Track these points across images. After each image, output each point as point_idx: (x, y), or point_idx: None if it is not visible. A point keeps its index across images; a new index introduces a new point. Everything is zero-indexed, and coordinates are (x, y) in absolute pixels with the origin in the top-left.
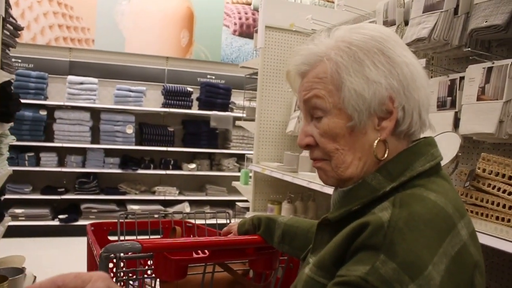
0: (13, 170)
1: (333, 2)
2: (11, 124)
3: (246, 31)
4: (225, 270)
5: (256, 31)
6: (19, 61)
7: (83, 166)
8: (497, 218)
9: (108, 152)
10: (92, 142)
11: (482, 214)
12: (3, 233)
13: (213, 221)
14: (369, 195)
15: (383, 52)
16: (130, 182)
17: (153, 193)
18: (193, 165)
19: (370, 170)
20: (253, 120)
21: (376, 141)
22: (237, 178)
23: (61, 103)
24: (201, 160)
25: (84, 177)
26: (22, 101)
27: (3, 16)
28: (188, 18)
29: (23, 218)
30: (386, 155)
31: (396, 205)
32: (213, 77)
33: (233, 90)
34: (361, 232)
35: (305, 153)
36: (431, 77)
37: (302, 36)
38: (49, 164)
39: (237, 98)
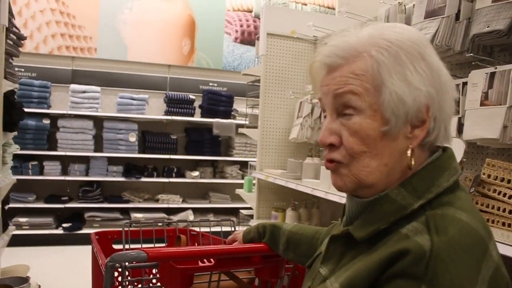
0: (17, 179)
1: (333, 9)
2: (15, 133)
3: (248, 39)
4: (230, 279)
5: (258, 38)
6: (22, 70)
7: (87, 174)
8: (503, 224)
9: (111, 161)
10: (95, 151)
11: (487, 220)
12: (7, 242)
13: (217, 229)
14: (397, 213)
15: (423, 57)
16: (134, 190)
17: (157, 201)
18: (196, 173)
19: (393, 180)
20: (256, 127)
21: (409, 150)
22: (240, 186)
23: (64, 112)
24: (204, 168)
25: (88, 186)
26: (25, 110)
27: (7, 26)
28: (189, 26)
29: (27, 227)
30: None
31: (432, 230)
32: (215, 85)
33: (235, 97)
34: (399, 258)
35: (309, 160)
36: None
37: (303, 43)
38: (52, 173)
39: (240, 105)
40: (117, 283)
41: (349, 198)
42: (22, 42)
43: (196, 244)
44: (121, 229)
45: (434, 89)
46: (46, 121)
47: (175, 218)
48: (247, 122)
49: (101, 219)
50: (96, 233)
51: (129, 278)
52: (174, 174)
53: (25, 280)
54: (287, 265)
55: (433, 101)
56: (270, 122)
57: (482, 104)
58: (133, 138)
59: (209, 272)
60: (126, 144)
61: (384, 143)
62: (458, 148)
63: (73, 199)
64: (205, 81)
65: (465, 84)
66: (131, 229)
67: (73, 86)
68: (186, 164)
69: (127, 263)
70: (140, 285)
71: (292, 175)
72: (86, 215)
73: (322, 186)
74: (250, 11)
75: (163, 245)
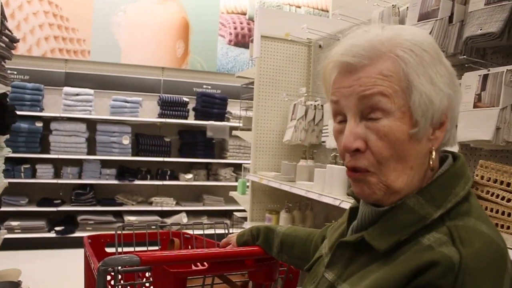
0: (9, 182)
1: (327, 11)
2: (7, 136)
3: (242, 41)
4: (224, 282)
5: (252, 41)
6: (15, 73)
7: (80, 177)
8: (496, 225)
9: (105, 163)
10: (88, 154)
11: None
12: None
13: (211, 231)
14: (418, 224)
15: (440, 59)
16: (127, 193)
17: (150, 204)
18: (190, 175)
19: (415, 184)
20: (249, 129)
21: (433, 151)
22: (234, 188)
23: (57, 115)
24: (198, 170)
25: (81, 189)
26: (18, 113)
27: None
28: (183, 28)
29: (19, 231)
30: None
31: (457, 242)
32: (209, 87)
33: (229, 99)
34: (427, 270)
35: (303, 162)
36: None
37: (297, 45)
38: (45, 176)
39: (233, 107)
40: (110, 287)
41: (363, 203)
42: (15, 44)
43: (189, 247)
44: (114, 232)
45: (452, 91)
46: (39, 124)
47: (168, 221)
48: (241, 125)
49: (94, 222)
50: (89, 237)
51: (122, 282)
52: (167, 177)
53: (17, 284)
54: (281, 268)
55: (451, 102)
56: (264, 124)
57: (475, 106)
58: (126, 140)
59: (203, 276)
60: (119, 147)
61: (411, 145)
62: (451, 150)
63: (66, 202)
64: (199, 83)
65: None
66: (124, 232)
67: (66, 89)
68: (179, 166)
69: (119, 267)
70: None
71: (285, 177)
72: (79, 218)
73: (316, 188)
74: (244, 14)
75: (156, 248)
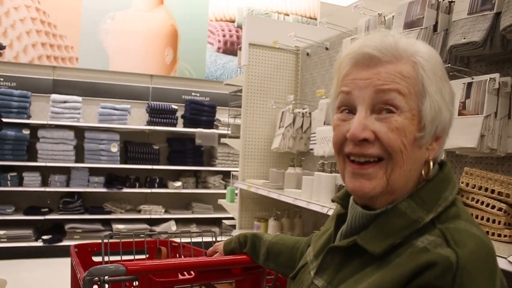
0: None
1: (315, 19)
2: None
3: (230, 48)
4: None
5: (240, 49)
6: (1, 79)
7: (67, 185)
8: None
9: (93, 171)
10: (76, 161)
11: None
12: None
13: (199, 239)
14: (411, 227)
15: (446, 78)
16: (115, 201)
17: (139, 212)
18: (178, 183)
19: (408, 189)
20: (238, 137)
21: (430, 161)
22: (223, 196)
23: (45, 122)
24: (186, 178)
25: (68, 197)
26: (5, 120)
27: None
28: (172, 36)
29: (5, 240)
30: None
31: (451, 243)
32: (198, 95)
33: (218, 107)
34: (425, 271)
35: (291, 170)
36: None
37: (285, 53)
38: (32, 184)
39: (222, 115)
40: None
41: (352, 208)
42: (1, 51)
43: (177, 256)
44: (101, 241)
45: (452, 107)
46: (26, 132)
47: (157, 229)
48: (229, 132)
49: (82, 230)
50: (76, 246)
51: None
52: (156, 185)
53: None
54: (268, 277)
55: (450, 120)
56: (252, 132)
57: (460, 114)
58: (114, 148)
59: (190, 285)
60: (107, 155)
61: (413, 149)
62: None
63: (53, 211)
64: (188, 91)
65: None
66: (111, 241)
67: (54, 96)
68: (168, 174)
69: (106, 277)
70: None
71: (274, 185)
72: (67, 226)
73: (304, 196)
74: (233, 21)
75: (144, 257)
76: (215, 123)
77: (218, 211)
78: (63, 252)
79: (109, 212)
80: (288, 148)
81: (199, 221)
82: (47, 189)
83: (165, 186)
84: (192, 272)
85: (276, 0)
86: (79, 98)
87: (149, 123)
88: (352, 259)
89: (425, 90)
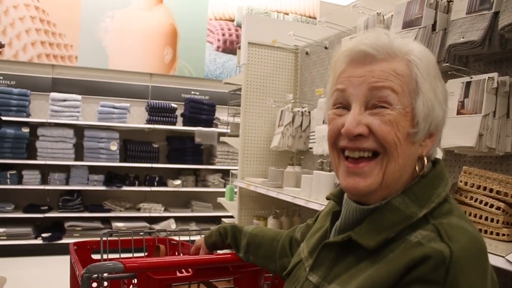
0: None
1: (315, 18)
2: None
3: (230, 47)
4: None
5: (239, 48)
6: (1, 78)
7: (67, 183)
8: (480, 230)
9: (92, 169)
10: (76, 159)
11: None
12: None
13: (198, 238)
14: (404, 222)
15: (440, 77)
16: (115, 199)
17: (138, 210)
18: (178, 181)
19: (400, 185)
20: (237, 136)
21: (424, 157)
22: (222, 194)
23: (44, 120)
24: (186, 176)
25: (68, 195)
26: (4, 118)
27: None
28: (171, 34)
29: (5, 238)
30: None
31: (445, 238)
32: (197, 93)
33: (217, 106)
34: (419, 264)
35: (290, 169)
36: None
37: (284, 52)
38: (31, 182)
39: (222, 113)
40: None
41: (346, 204)
42: (1, 49)
43: (176, 254)
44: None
45: (446, 106)
46: (25, 130)
47: (157, 227)
48: (228, 131)
49: (81, 228)
50: (75, 243)
51: None
52: (156, 183)
53: None
54: (266, 275)
55: (444, 118)
56: (252, 130)
57: (458, 113)
58: (114, 146)
59: (188, 283)
60: (107, 153)
61: (407, 144)
62: (436, 157)
63: (53, 209)
64: (187, 89)
65: None
66: (110, 239)
67: (53, 95)
68: (168, 172)
69: (104, 274)
70: None
71: (273, 184)
72: (66, 224)
73: (303, 194)
74: (232, 20)
75: (143, 255)
76: (214, 121)
77: (217, 209)
78: (63, 250)
79: (109, 210)
80: (287, 147)
81: (198, 220)
82: (47, 187)
83: (165, 185)
84: (190, 269)
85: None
86: (79, 97)
87: (149, 121)
88: (346, 255)
89: (419, 88)
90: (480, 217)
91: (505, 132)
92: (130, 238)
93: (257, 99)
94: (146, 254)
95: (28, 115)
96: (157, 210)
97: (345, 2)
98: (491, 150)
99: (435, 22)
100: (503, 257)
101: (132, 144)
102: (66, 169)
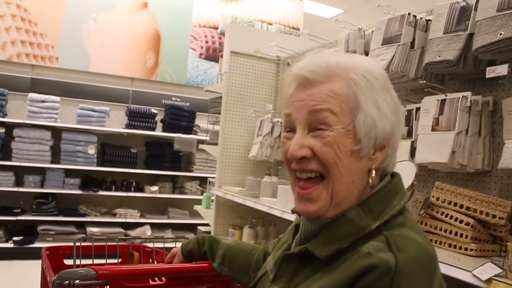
0: None
1: (298, 29)
2: None
3: (213, 55)
4: None
5: (222, 56)
6: None
7: (42, 186)
8: (449, 245)
9: (69, 173)
10: (52, 162)
11: (436, 242)
12: None
13: (172, 245)
14: (357, 233)
15: (388, 89)
16: (91, 203)
17: (114, 215)
18: (155, 188)
19: (354, 200)
20: (216, 144)
21: (373, 170)
22: (199, 202)
23: (21, 121)
24: (163, 183)
25: (42, 198)
26: None
27: None
28: (154, 39)
29: None
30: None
31: (393, 248)
32: (178, 100)
33: (198, 113)
34: (366, 273)
35: (267, 179)
36: None
37: (266, 62)
38: (5, 184)
39: (202, 121)
40: None
41: (304, 218)
42: None
43: (150, 261)
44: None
45: (395, 119)
46: (1, 130)
47: (132, 233)
48: (208, 139)
49: (55, 232)
50: (47, 248)
51: None
52: (133, 188)
53: None
54: (239, 284)
55: (393, 129)
56: (231, 139)
57: (433, 129)
58: (92, 150)
59: None
60: (84, 156)
61: (352, 160)
62: (410, 171)
63: (26, 212)
64: (168, 95)
65: (418, 109)
66: (83, 244)
67: (32, 95)
68: (145, 178)
69: (76, 281)
70: None
71: (250, 193)
72: (39, 228)
73: (279, 205)
74: (216, 28)
75: (116, 261)
76: (194, 128)
77: (194, 217)
78: (35, 254)
79: (84, 215)
80: (265, 157)
81: (174, 227)
82: (21, 189)
83: (142, 190)
84: (163, 278)
85: (260, 9)
86: (58, 98)
87: (128, 126)
88: (305, 266)
89: (359, 105)
90: (450, 232)
91: (476, 149)
92: (104, 244)
93: (237, 108)
94: (120, 260)
95: (5, 115)
96: (133, 216)
97: (329, 15)
98: (462, 167)
99: (413, 40)
100: (470, 272)
101: (110, 148)
102: (41, 171)
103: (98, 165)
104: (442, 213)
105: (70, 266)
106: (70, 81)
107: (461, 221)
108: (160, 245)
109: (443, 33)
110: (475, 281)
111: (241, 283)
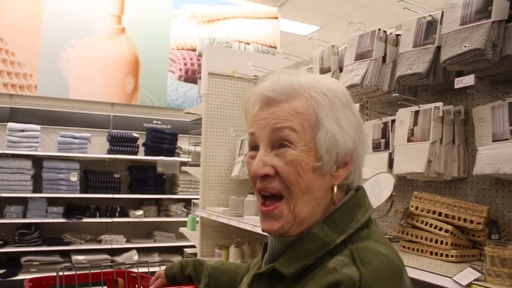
0: None
1: (275, 48)
2: None
3: (192, 77)
4: None
5: (200, 78)
6: None
7: (24, 216)
8: (431, 253)
9: (51, 201)
10: (34, 191)
11: (417, 250)
12: None
13: (157, 269)
14: (322, 249)
15: (350, 107)
16: (75, 231)
17: (99, 242)
18: (140, 212)
19: (318, 216)
20: (198, 165)
21: (335, 187)
22: (185, 224)
23: (1, 151)
24: (148, 206)
25: (25, 228)
26: None
27: None
28: (133, 64)
29: None
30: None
31: (358, 262)
32: (159, 122)
33: (180, 135)
34: None
35: (250, 197)
36: (366, 120)
37: (244, 82)
38: None
39: (184, 143)
40: None
41: (272, 237)
42: None
43: (136, 287)
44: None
45: (357, 136)
46: None
47: (119, 259)
48: (190, 160)
49: (39, 263)
50: (30, 280)
51: None
52: (117, 214)
53: None
54: None
55: (356, 146)
56: (213, 160)
57: (409, 140)
58: (74, 177)
59: None
60: (67, 184)
61: (315, 177)
62: (388, 183)
63: (9, 243)
64: (149, 119)
65: (393, 121)
66: (67, 273)
67: (11, 125)
68: (129, 203)
69: None
70: None
71: (234, 213)
72: (23, 259)
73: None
74: (194, 50)
75: None
76: (176, 151)
77: (180, 239)
78: (18, 287)
79: (68, 243)
80: (247, 176)
81: (161, 250)
82: (2, 221)
83: (126, 215)
84: None
85: (237, 30)
86: (38, 127)
87: (110, 151)
88: (275, 285)
89: (320, 122)
90: (431, 240)
91: (452, 158)
92: (88, 272)
93: (218, 128)
94: None
95: None
96: (118, 242)
97: (305, 32)
98: (439, 175)
99: (385, 54)
100: (450, 278)
101: (93, 174)
102: (23, 201)
103: (81, 192)
104: (422, 221)
105: None
106: (49, 109)
107: (440, 229)
108: (145, 269)
109: (413, 47)
110: (456, 286)
111: None
